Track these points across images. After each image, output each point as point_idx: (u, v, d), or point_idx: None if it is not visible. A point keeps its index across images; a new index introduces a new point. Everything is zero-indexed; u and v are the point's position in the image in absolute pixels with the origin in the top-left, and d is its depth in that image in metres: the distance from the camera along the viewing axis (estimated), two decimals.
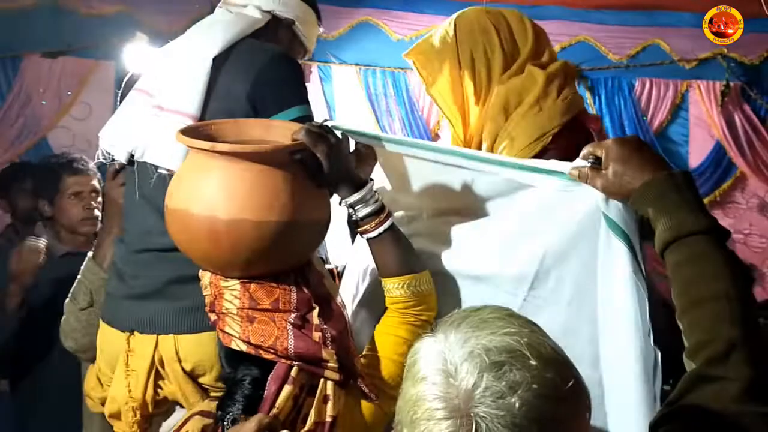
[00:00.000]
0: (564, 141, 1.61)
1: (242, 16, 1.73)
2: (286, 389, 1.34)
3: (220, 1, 1.83)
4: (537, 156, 1.59)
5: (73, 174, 2.99)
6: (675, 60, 4.81)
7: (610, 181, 1.29)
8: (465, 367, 0.90)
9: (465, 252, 1.56)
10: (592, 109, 4.82)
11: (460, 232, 1.57)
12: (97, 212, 3.00)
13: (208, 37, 1.66)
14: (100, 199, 3.00)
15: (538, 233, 1.47)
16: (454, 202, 1.58)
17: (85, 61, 4.46)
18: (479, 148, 1.71)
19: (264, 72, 1.62)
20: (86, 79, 4.46)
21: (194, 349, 1.60)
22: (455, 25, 1.72)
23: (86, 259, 1.97)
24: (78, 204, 2.94)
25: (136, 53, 4.03)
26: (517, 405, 0.86)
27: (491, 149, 1.66)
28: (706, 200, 4.90)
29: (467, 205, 1.56)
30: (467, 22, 1.72)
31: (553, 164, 1.42)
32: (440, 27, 1.77)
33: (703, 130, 4.94)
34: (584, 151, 1.36)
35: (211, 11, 1.82)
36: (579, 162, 1.36)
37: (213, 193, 1.35)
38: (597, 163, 1.32)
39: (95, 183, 3.03)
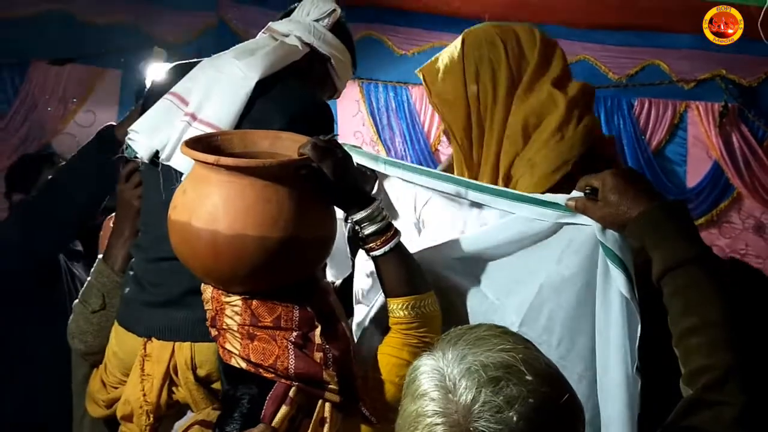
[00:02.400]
0: (583, 167, 1.57)
1: (284, 45, 1.75)
2: (283, 410, 1.32)
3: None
4: (558, 183, 1.57)
5: (53, 168, 2.84)
6: (674, 80, 4.86)
7: (606, 211, 1.32)
8: (463, 383, 0.92)
9: (454, 281, 1.55)
10: None
11: (450, 259, 1.55)
12: None
13: (252, 60, 1.67)
14: None
15: (535, 265, 1.46)
16: (447, 229, 1.58)
17: (91, 69, 4.49)
18: (489, 165, 1.68)
19: (301, 117, 1.62)
20: (92, 86, 4.49)
21: (210, 356, 1.60)
22: (463, 40, 1.72)
23: (96, 261, 1.94)
24: None
25: (144, 63, 4.07)
26: (514, 419, 0.89)
27: (507, 171, 1.64)
28: (702, 220, 4.93)
29: (459, 233, 1.56)
30: (475, 36, 1.72)
31: (550, 197, 1.44)
32: (451, 44, 1.76)
33: (701, 150, 4.97)
34: (580, 182, 1.38)
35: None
36: (575, 193, 1.39)
37: (215, 207, 1.32)
38: (593, 194, 1.35)
39: None
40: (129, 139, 1.72)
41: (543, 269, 1.45)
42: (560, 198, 1.41)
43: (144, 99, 1.80)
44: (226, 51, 1.75)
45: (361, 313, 1.65)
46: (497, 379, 0.91)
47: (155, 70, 3.43)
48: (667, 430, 1.12)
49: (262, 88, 1.64)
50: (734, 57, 4.65)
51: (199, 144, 1.41)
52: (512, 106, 1.65)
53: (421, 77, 1.76)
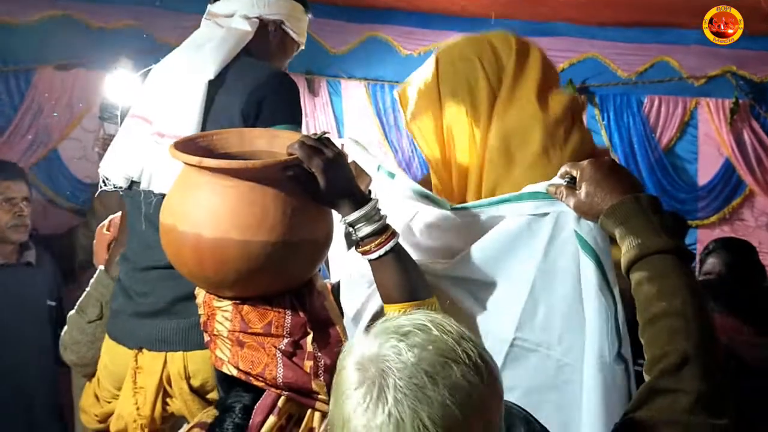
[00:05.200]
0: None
1: (232, 32, 1.70)
2: (271, 420, 1.29)
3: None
4: None
5: (6, 179, 2.96)
6: (684, 77, 4.81)
7: (581, 200, 1.33)
8: (377, 341, 0.95)
9: (444, 294, 1.51)
10: (600, 126, 4.82)
11: (436, 271, 1.52)
12: (28, 220, 2.96)
13: (201, 58, 1.64)
14: (28, 208, 2.97)
15: (523, 262, 1.45)
16: (434, 238, 1.55)
17: (97, 74, 4.49)
18: (472, 191, 1.61)
19: (259, 88, 1.60)
20: (98, 91, 4.48)
21: (203, 365, 1.58)
22: (437, 59, 1.64)
23: (98, 271, 1.95)
24: (9, 210, 2.90)
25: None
26: (415, 360, 0.90)
27: (491, 194, 1.57)
28: (715, 218, 4.89)
29: (447, 242, 1.54)
30: (448, 54, 1.64)
31: (530, 186, 1.43)
32: (426, 63, 1.69)
33: (712, 147, 4.92)
34: (562, 169, 1.39)
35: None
36: (556, 180, 1.40)
37: (199, 210, 1.29)
38: (572, 183, 1.36)
39: (27, 189, 3.00)
40: (102, 170, 1.70)
41: (531, 267, 1.44)
42: (541, 186, 1.42)
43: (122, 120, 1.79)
44: (174, 51, 1.73)
45: (350, 311, 1.61)
46: (407, 332, 0.94)
47: (115, 82, 3.35)
48: (627, 419, 1.11)
49: (217, 82, 1.63)
50: (744, 53, 4.61)
51: (189, 145, 1.37)
52: (492, 124, 1.57)
53: (398, 99, 1.70)
